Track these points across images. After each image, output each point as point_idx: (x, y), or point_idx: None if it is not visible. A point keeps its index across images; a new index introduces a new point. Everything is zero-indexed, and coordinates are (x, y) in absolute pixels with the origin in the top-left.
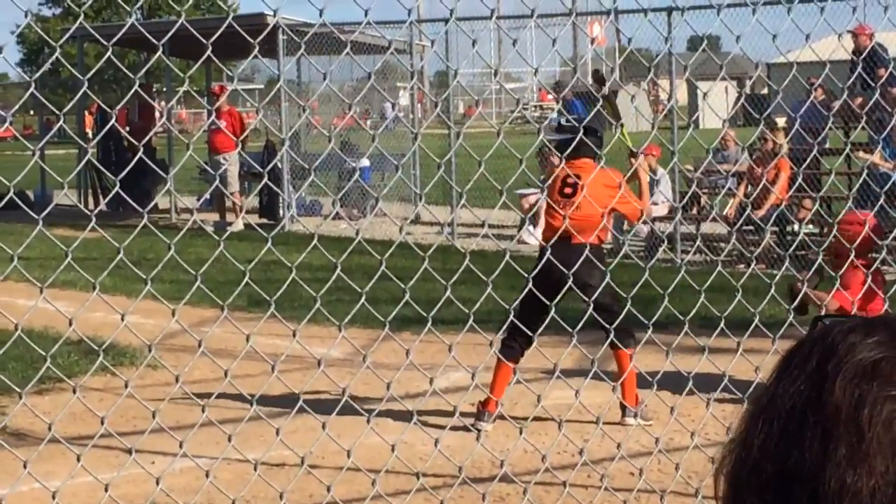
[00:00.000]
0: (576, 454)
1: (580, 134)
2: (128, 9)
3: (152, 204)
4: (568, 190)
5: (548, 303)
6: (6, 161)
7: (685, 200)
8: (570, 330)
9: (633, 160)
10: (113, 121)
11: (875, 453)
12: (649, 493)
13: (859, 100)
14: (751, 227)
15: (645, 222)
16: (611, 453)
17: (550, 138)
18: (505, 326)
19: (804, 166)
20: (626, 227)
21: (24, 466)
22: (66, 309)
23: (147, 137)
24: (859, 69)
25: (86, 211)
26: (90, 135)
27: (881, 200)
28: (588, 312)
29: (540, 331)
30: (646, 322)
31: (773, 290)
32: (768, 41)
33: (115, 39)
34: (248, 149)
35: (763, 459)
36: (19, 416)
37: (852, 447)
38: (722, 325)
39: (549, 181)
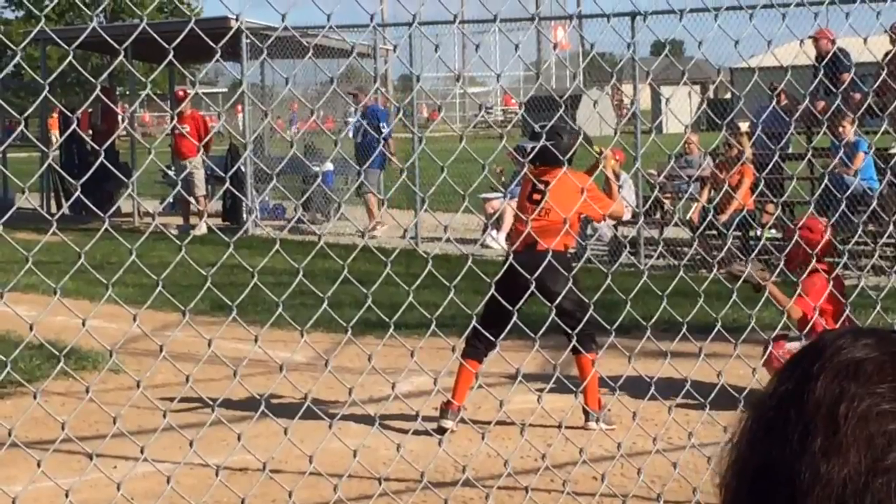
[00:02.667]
0: (538, 459)
1: (545, 140)
2: (90, 12)
3: (114, 208)
4: (537, 196)
5: (511, 308)
6: None
7: (648, 205)
8: (533, 335)
9: (598, 156)
10: (75, 124)
11: (849, 445)
12: (612, 498)
13: (822, 104)
14: (714, 232)
15: (619, 224)
16: (573, 458)
17: (524, 145)
18: (469, 330)
19: (766, 171)
20: (588, 231)
21: None
22: (28, 313)
23: (109, 141)
24: (821, 75)
25: (47, 215)
26: (55, 138)
27: (842, 206)
28: (551, 317)
29: (503, 335)
30: (608, 327)
31: (735, 295)
32: (731, 46)
33: (77, 42)
34: (211, 152)
35: (750, 454)
36: None
37: (828, 439)
38: (684, 329)
39: (520, 187)
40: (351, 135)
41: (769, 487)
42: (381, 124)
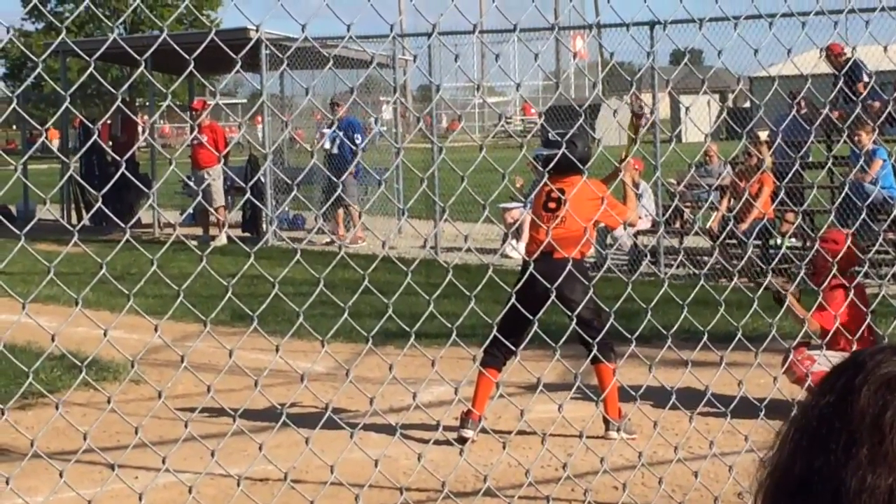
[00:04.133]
0: (559, 468)
1: (565, 148)
2: (110, 24)
3: (135, 219)
4: (552, 204)
5: (530, 317)
6: None
7: (668, 214)
8: (553, 344)
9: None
10: (95, 135)
11: (895, 455)
12: None
13: (836, 113)
14: (734, 241)
15: (639, 233)
16: (594, 467)
17: (538, 153)
18: (489, 340)
19: (787, 180)
20: (608, 241)
21: (7, 482)
22: (49, 324)
23: (129, 152)
24: (841, 83)
25: (68, 226)
26: (53, 147)
27: (863, 214)
28: (571, 327)
29: (523, 345)
30: (629, 336)
31: (755, 304)
32: (750, 55)
33: (97, 54)
34: (230, 163)
35: (792, 463)
36: (1, 431)
37: (874, 449)
38: (705, 338)
39: (535, 195)
40: (327, 145)
41: (812, 497)
42: (356, 135)
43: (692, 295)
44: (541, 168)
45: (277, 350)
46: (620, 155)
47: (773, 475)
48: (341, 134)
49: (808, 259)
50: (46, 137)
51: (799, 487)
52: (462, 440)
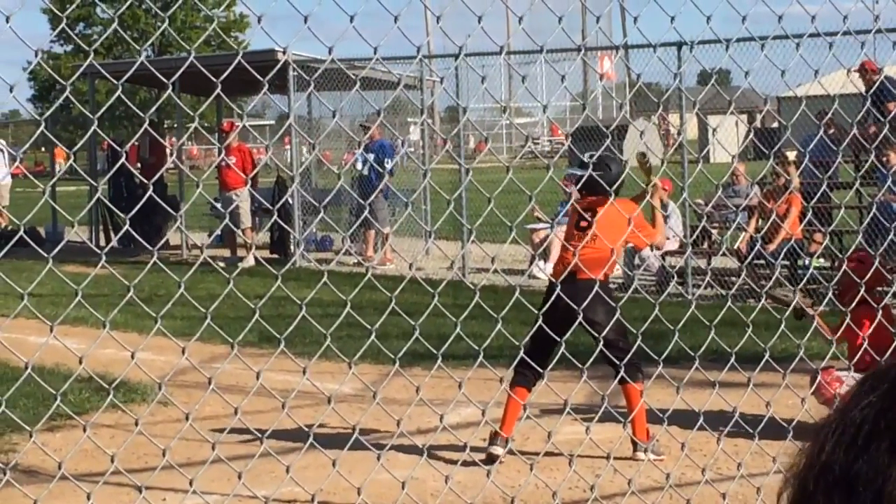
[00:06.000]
0: (587, 490)
1: (593, 170)
2: (138, 46)
3: (163, 241)
4: (584, 224)
5: (557, 338)
6: (17, 198)
7: (696, 235)
8: (581, 365)
9: (645, 186)
10: (123, 158)
11: None
12: None
13: (873, 128)
14: (762, 262)
15: (666, 254)
16: (622, 489)
17: (572, 173)
18: (516, 361)
19: (815, 200)
20: (636, 261)
21: None
22: (77, 346)
23: (158, 174)
24: (868, 104)
25: (96, 248)
26: (59, 167)
27: (891, 234)
28: (599, 348)
29: (550, 366)
30: (656, 357)
31: (783, 325)
32: (778, 75)
33: (125, 77)
34: (258, 185)
35: (832, 463)
36: (30, 453)
37: None
38: (732, 359)
39: (568, 217)
40: (358, 166)
41: (853, 498)
42: (385, 159)
43: (720, 316)
44: (567, 190)
45: (304, 372)
46: (644, 182)
47: (810, 469)
48: (371, 157)
49: (835, 279)
50: (53, 161)
51: (837, 486)
52: (491, 458)
